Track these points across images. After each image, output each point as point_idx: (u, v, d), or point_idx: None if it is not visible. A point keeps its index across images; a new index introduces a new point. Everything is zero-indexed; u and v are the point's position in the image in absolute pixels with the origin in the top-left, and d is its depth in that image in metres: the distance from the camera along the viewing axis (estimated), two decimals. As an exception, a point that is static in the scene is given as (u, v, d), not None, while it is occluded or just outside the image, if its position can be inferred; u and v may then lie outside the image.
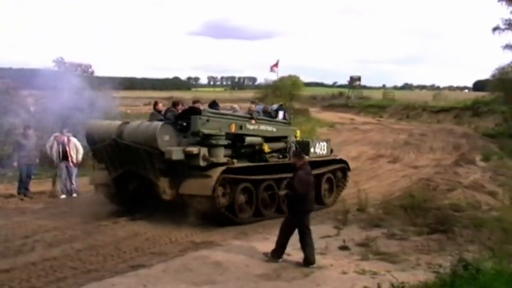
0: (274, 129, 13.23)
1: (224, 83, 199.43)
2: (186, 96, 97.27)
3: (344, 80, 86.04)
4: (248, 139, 12.08)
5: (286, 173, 11.47)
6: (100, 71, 32.83)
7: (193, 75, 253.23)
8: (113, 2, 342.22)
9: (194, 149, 10.59)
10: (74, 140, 14.47)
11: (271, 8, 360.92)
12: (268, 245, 9.59)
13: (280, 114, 14.54)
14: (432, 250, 9.58)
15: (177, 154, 10.48)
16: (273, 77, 45.34)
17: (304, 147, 13.34)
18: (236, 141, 11.93)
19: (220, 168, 10.81)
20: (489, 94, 40.09)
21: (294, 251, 9.14)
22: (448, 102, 53.11)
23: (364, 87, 77.21)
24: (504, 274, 6.67)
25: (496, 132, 34.57)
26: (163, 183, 10.85)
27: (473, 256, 8.28)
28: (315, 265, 8.56)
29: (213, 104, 12.86)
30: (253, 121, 12.47)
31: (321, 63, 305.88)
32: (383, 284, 7.09)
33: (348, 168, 15.29)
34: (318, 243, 9.82)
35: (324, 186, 14.05)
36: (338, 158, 15.11)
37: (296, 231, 8.89)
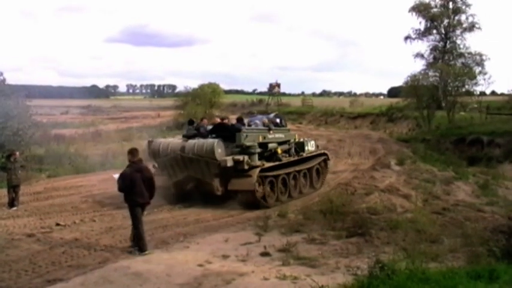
0: (283, 136, 17.03)
1: (144, 91, 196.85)
2: (105, 104, 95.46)
3: (264, 87, 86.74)
4: (270, 145, 15.82)
5: (293, 167, 16.30)
6: (12, 79, 31.43)
7: (111, 83, 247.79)
8: (26, 6, 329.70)
9: (240, 157, 14.17)
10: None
11: (191, 15, 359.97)
12: (189, 253, 9.53)
13: (277, 121, 17.66)
14: (351, 253, 9.80)
15: (230, 162, 14.00)
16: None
17: (301, 146, 17.58)
18: (262, 148, 15.35)
19: (257, 169, 14.43)
20: (402, 100, 41.53)
21: (214, 258, 9.12)
22: (364, 109, 54.61)
23: (284, 94, 78.26)
24: (417, 273, 6.90)
25: (410, 137, 35.95)
26: (216, 183, 14.27)
27: (389, 257, 8.50)
28: (147, 252, 9.73)
29: (240, 120, 16.12)
30: (271, 131, 16.26)
31: (241, 71, 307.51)
32: (303, 289, 7.16)
33: (328, 158, 19.41)
34: (240, 250, 9.86)
35: (314, 174, 17.86)
36: (322, 151, 19.22)
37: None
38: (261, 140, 15.46)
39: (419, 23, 45.20)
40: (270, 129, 16.25)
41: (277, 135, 16.53)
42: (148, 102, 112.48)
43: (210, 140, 14.41)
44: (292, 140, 17.52)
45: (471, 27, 43.67)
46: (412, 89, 38.00)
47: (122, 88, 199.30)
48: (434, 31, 44.98)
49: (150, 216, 13.50)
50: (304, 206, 14.43)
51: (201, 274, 8.48)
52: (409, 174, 19.55)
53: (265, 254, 9.71)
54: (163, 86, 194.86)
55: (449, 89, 37.70)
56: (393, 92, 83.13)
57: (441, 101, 38.10)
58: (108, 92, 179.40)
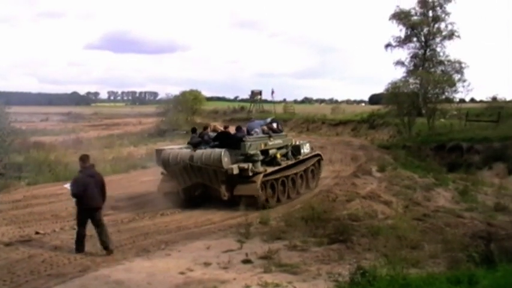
0: (281, 141, 17.90)
1: (125, 97, 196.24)
2: (86, 111, 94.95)
3: (245, 95, 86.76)
4: (270, 152, 16.80)
5: (291, 170, 17.54)
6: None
7: (92, 90, 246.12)
8: (3, 11, 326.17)
9: (245, 165, 15.16)
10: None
11: (173, 22, 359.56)
12: (171, 261, 9.48)
13: (274, 125, 18.41)
14: (332, 260, 9.82)
15: (235, 170, 14.98)
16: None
17: (297, 149, 18.78)
18: (263, 154, 16.31)
19: (261, 175, 15.48)
20: (383, 107, 41.77)
21: (196, 266, 9.09)
22: (345, 116, 54.93)
23: (265, 101, 78.22)
24: (398, 279, 6.95)
25: (391, 144, 36.18)
26: (223, 189, 15.25)
27: (370, 263, 8.54)
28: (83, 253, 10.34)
29: (239, 128, 16.91)
30: (271, 138, 17.12)
31: (223, 78, 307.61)
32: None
33: (322, 158, 21.06)
34: (221, 258, 9.84)
35: (309, 175, 19.23)
36: (316, 152, 20.63)
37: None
38: (262, 147, 16.41)
39: (400, 31, 45.63)
40: (270, 137, 17.19)
41: (276, 141, 17.46)
42: (129, 109, 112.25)
43: (217, 150, 15.23)
44: (289, 144, 18.52)
45: (450, 35, 44.15)
46: (392, 96, 38.27)
47: (103, 95, 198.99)
48: (415, 39, 45.38)
49: (131, 223, 13.49)
50: (286, 213, 14.44)
51: (182, 282, 8.44)
52: (390, 180, 19.67)
53: (247, 261, 9.69)
54: (145, 93, 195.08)
55: (430, 96, 37.97)
56: (374, 99, 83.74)
57: (421, 108, 38.40)
58: (89, 99, 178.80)
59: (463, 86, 38.40)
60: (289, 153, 18.16)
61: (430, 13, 44.64)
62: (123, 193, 17.68)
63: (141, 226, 13.17)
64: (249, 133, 16.96)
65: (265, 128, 17.77)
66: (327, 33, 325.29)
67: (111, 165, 23.37)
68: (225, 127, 18.23)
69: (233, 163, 15.25)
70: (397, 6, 45.23)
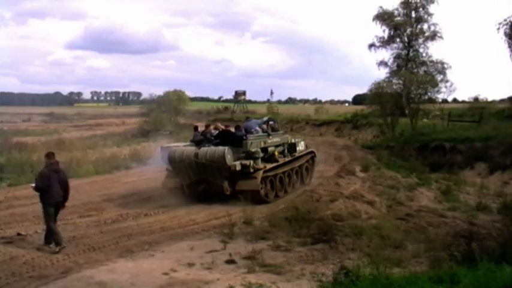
0: (279, 139, 19.04)
1: (108, 98, 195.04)
2: (69, 112, 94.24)
3: (229, 95, 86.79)
4: (269, 149, 17.89)
5: (288, 166, 18.50)
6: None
7: (75, 90, 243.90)
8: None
9: (247, 162, 16.13)
10: None
11: (156, 22, 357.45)
12: (154, 262, 9.45)
13: (264, 126, 18.99)
14: (316, 260, 9.85)
15: (238, 166, 15.86)
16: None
17: (293, 146, 19.84)
18: (263, 152, 17.26)
19: (261, 172, 16.40)
20: (367, 108, 41.97)
21: (180, 266, 9.07)
22: (329, 116, 55.15)
23: (249, 101, 78.28)
24: (381, 279, 6.97)
25: (374, 144, 36.42)
26: (226, 185, 16.02)
27: (354, 263, 8.57)
28: (63, 245, 10.67)
29: (239, 127, 17.81)
30: (270, 137, 18.29)
31: (206, 78, 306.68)
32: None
33: (315, 155, 22.13)
34: (205, 258, 9.83)
35: (304, 171, 20.42)
36: (310, 150, 21.73)
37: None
38: (262, 145, 17.44)
39: (383, 32, 45.91)
40: (269, 135, 18.34)
41: (274, 140, 18.62)
42: (113, 109, 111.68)
43: (220, 148, 16.10)
44: (286, 142, 19.66)
45: (433, 36, 44.50)
46: (376, 97, 38.46)
47: (86, 95, 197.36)
48: (398, 39, 45.67)
49: (115, 224, 13.42)
50: (269, 213, 14.45)
51: (166, 283, 8.42)
52: (373, 180, 19.74)
53: (230, 262, 9.69)
54: (128, 93, 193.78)
55: (413, 96, 38.20)
56: (358, 100, 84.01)
57: (404, 108, 38.64)
58: (72, 99, 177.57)
59: (446, 87, 38.79)
60: (286, 151, 19.22)
61: (413, 14, 44.99)
62: (105, 194, 17.60)
63: (125, 227, 13.11)
64: (247, 132, 17.71)
65: (264, 126, 18.83)
66: (311, 33, 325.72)
67: (94, 166, 23.22)
68: (226, 126, 19.30)
69: (235, 160, 16.11)
70: (380, 7, 45.55)
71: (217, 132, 17.86)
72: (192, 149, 16.54)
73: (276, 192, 17.55)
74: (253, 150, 16.68)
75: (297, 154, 19.79)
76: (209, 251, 10.42)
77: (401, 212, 14.60)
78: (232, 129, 18.01)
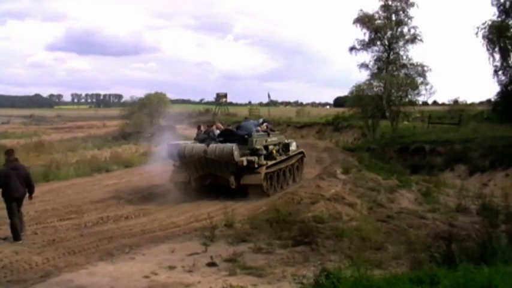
0: (276, 138, 20.40)
1: (89, 100, 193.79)
2: (49, 114, 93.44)
3: (211, 97, 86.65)
4: (270, 147, 19.14)
5: (284, 164, 19.92)
6: None
7: (55, 92, 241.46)
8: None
9: (252, 158, 17.44)
10: None
11: (138, 24, 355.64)
12: (135, 265, 9.39)
13: (265, 125, 20.53)
14: (297, 262, 9.86)
15: (245, 162, 17.17)
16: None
17: (287, 146, 20.98)
18: (264, 149, 18.45)
19: (264, 167, 17.83)
20: (348, 110, 42.18)
21: (161, 269, 9.03)
22: (310, 118, 55.28)
23: (231, 103, 78.22)
24: (362, 280, 6.99)
25: (355, 146, 36.60)
26: (232, 179, 17.25)
27: (335, 265, 8.58)
28: (20, 241, 11.26)
29: (240, 127, 19.50)
30: (270, 135, 19.72)
31: (188, 80, 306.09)
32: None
33: (304, 156, 23.47)
34: (186, 261, 9.79)
35: (295, 169, 21.77)
36: (300, 150, 22.83)
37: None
38: (264, 143, 18.74)
39: (364, 34, 46.11)
40: (269, 134, 19.75)
41: (273, 139, 19.95)
42: (93, 111, 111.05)
43: (228, 145, 17.32)
44: (281, 142, 20.96)
45: (413, 39, 44.81)
46: (357, 99, 38.64)
47: (67, 97, 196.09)
48: (378, 42, 45.91)
49: (95, 227, 13.31)
50: (251, 216, 14.44)
51: (147, 286, 8.38)
52: (354, 182, 19.79)
53: (211, 264, 9.66)
54: (109, 95, 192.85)
55: (393, 99, 38.46)
56: (339, 102, 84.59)
57: (385, 110, 38.87)
58: (52, 101, 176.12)
59: (426, 89, 39.00)
60: (281, 150, 20.44)
61: (393, 17, 45.25)
62: (86, 197, 17.47)
63: (105, 230, 13.01)
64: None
65: (263, 126, 20.32)
66: (292, 36, 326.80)
67: (75, 168, 23.02)
68: (229, 125, 21.58)
69: (240, 156, 17.32)
70: (361, 10, 45.78)
71: (218, 131, 19.04)
72: (201, 145, 17.63)
73: (274, 187, 18.87)
74: (257, 147, 17.95)
75: (290, 153, 20.97)
76: (190, 253, 10.38)
77: (382, 214, 14.66)
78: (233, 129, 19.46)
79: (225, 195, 17.24)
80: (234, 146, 17.12)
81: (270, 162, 18.42)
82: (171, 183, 18.44)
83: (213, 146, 17.45)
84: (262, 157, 18.08)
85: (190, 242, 11.52)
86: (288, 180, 20.60)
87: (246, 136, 18.16)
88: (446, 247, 9.14)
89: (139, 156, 28.51)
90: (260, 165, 17.76)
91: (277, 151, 20.01)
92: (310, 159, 28.80)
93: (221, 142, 17.82)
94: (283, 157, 20.11)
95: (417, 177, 23.24)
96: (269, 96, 69.36)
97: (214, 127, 19.56)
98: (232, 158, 16.96)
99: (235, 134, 18.53)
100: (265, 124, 20.87)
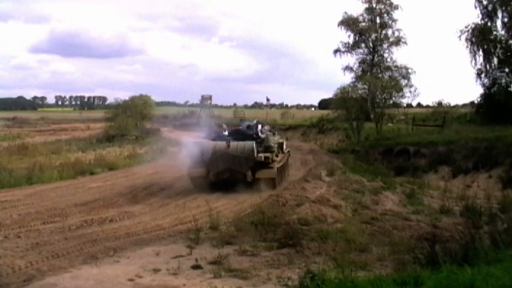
0: (277, 138, 22.17)
1: (73, 102, 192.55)
2: (32, 116, 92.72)
3: (196, 99, 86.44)
4: (276, 145, 20.82)
5: (284, 160, 22.25)
6: None
7: (39, 94, 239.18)
8: None
9: (268, 155, 19.47)
10: None
11: (121, 25, 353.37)
12: (119, 268, 9.34)
13: (259, 126, 22.07)
14: (282, 264, 9.84)
15: (263, 158, 19.14)
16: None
17: (281, 145, 22.73)
18: None
19: (276, 163, 20.03)
20: (332, 112, 42.41)
21: (145, 272, 8.99)
22: (295, 120, 55.52)
23: (216, 106, 78.08)
24: (346, 282, 7.03)
25: (340, 148, 36.77)
26: (249, 173, 19.12)
27: (320, 267, 8.61)
28: None
29: (250, 126, 21.91)
30: (275, 135, 22.06)
31: (173, 83, 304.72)
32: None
33: (290, 155, 25.39)
34: (171, 264, 9.75)
35: (286, 167, 23.54)
36: (288, 149, 24.92)
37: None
38: (274, 142, 20.68)
39: (348, 37, 46.52)
40: (274, 134, 22.28)
41: (275, 138, 21.82)
42: (77, 114, 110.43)
43: (249, 142, 19.47)
44: (279, 141, 22.53)
45: (397, 41, 45.29)
46: (341, 101, 38.88)
47: (50, 100, 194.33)
48: (363, 45, 46.39)
49: (79, 230, 13.22)
50: (235, 218, 14.43)
51: (132, 290, 8.33)
52: (339, 184, 19.84)
53: (196, 267, 9.62)
54: (94, 97, 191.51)
55: (377, 101, 38.80)
56: (324, 104, 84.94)
57: (370, 112, 39.16)
58: (36, 103, 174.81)
59: (410, 91, 39.54)
60: (278, 148, 21.78)
61: (378, 20, 45.72)
62: (70, 199, 17.33)
63: (89, 233, 12.91)
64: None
65: (267, 127, 23.01)
66: (277, 38, 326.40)
67: (59, 171, 22.81)
68: (238, 125, 24.07)
69: (259, 153, 19.28)
70: (345, 12, 46.10)
71: (226, 131, 21.50)
72: (223, 143, 19.55)
73: (279, 181, 20.62)
74: (271, 144, 20.15)
75: (284, 151, 23.25)
76: (175, 256, 10.34)
77: (367, 215, 14.69)
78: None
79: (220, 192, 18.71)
80: (254, 143, 19.28)
81: (278, 159, 20.41)
82: (171, 183, 20.25)
83: (234, 143, 19.41)
84: (274, 154, 20.15)
85: (175, 245, 11.47)
86: (283, 175, 22.36)
87: (254, 135, 20.43)
88: (430, 248, 9.19)
89: (124, 159, 28.42)
90: (273, 161, 19.79)
91: (277, 149, 21.50)
92: (295, 161, 28.89)
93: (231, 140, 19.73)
94: (282, 155, 22.13)
95: (401, 179, 23.42)
96: (268, 100, 69.52)
97: (224, 127, 22.54)
98: (252, 154, 19.00)
99: (245, 133, 20.97)
100: (259, 125, 22.39)
